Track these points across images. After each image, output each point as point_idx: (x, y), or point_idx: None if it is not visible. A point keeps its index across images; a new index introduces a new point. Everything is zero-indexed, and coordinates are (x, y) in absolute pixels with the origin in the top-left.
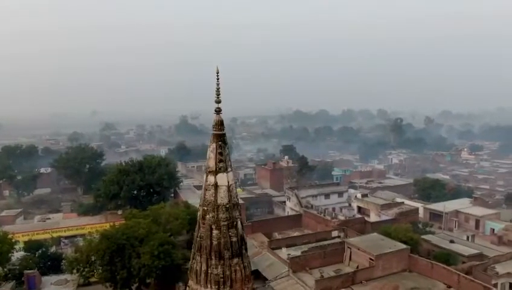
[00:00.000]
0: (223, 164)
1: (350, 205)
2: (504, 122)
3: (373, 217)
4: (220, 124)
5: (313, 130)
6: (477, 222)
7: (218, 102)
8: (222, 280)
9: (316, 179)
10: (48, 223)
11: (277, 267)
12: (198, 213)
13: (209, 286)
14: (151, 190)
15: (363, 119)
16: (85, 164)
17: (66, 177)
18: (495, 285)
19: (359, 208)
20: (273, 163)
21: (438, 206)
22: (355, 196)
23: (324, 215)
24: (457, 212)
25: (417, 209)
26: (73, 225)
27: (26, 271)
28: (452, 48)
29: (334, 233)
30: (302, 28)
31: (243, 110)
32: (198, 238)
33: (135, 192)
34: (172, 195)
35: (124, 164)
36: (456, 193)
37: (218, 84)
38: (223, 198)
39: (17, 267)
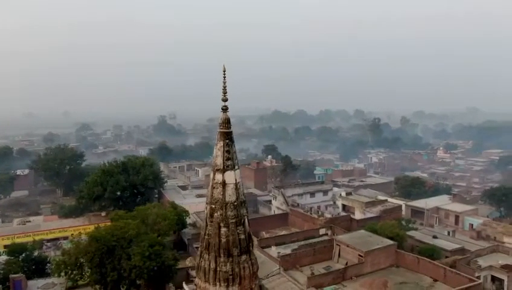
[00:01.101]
0: (230, 161)
1: (335, 203)
2: (475, 122)
3: (358, 215)
4: (227, 122)
5: (293, 130)
6: (457, 218)
7: (225, 100)
8: (231, 277)
9: (298, 178)
10: (29, 226)
11: (267, 266)
12: (205, 211)
13: (218, 283)
14: (135, 191)
15: (341, 119)
16: (65, 165)
17: (45, 178)
18: (478, 278)
19: (344, 206)
20: (256, 163)
21: (419, 203)
22: (340, 194)
23: (311, 214)
24: (437, 209)
25: (400, 206)
26: (56, 228)
27: (12, 275)
28: (423, 49)
29: (322, 231)
30: (275, 28)
31: (220, 111)
32: (206, 237)
33: (119, 193)
34: (157, 196)
35: (107, 164)
36: (435, 191)
37: (224, 83)
38: (230, 196)
39: (1, 271)
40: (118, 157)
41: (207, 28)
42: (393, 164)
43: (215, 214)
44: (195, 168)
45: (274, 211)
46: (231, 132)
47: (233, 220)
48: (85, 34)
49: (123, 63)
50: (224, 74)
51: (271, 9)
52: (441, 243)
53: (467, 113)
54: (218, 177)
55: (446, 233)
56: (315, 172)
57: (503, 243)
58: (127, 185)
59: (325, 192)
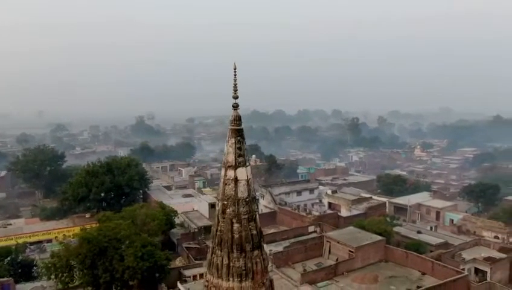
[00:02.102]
0: (242, 158)
1: (321, 201)
2: (448, 122)
3: (344, 212)
4: (238, 119)
5: (273, 130)
6: (438, 214)
7: (236, 98)
8: (244, 272)
9: (282, 177)
10: (10, 229)
11: None
12: (217, 208)
13: (231, 279)
14: (121, 192)
15: (319, 119)
16: (45, 166)
17: (24, 180)
18: (462, 270)
19: (330, 204)
20: None
21: (402, 200)
22: (326, 193)
23: (299, 212)
24: (419, 205)
25: (385, 203)
26: (39, 230)
27: (0, 279)
28: (397, 50)
29: (311, 228)
30: (254, 29)
31: (199, 111)
32: (218, 233)
33: (103, 194)
34: (141, 196)
35: (91, 165)
36: (415, 188)
37: (235, 80)
38: (242, 192)
39: None
40: (96, 159)
41: (186, 27)
42: (374, 163)
43: (228, 210)
44: (179, 168)
45: (261, 210)
46: (242, 129)
47: (246, 216)
48: (62, 34)
49: (99, 63)
50: (235, 72)
51: (241, 9)
52: (425, 238)
53: (440, 113)
54: (230, 173)
55: (429, 228)
56: (298, 171)
57: (483, 237)
58: (112, 185)
59: (311, 190)
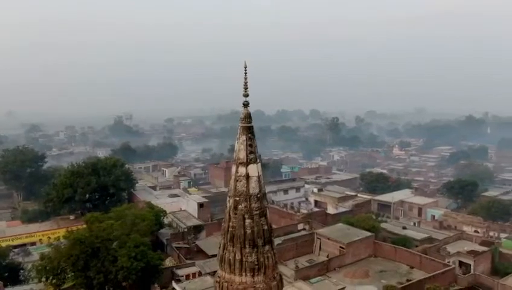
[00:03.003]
0: (253, 155)
1: (307, 199)
2: (423, 121)
3: (331, 210)
4: (248, 117)
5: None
6: (420, 210)
7: (246, 96)
8: (257, 266)
9: (266, 176)
10: None
11: None
12: (228, 204)
13: (243, 273)
14: (106, 192)
15: (298, 119)
16: (26, 168)
17: (4, 182)
18: (448, 263)
19: (316, 202)
20: (226, 162)
21: (385, 198)
22: (312, 191)
23: (287, 210)
24: (402, 202)
25: (370, 200)
26: (22, 233)
27: None
28: (372, 51)
29: (300, 226)
30: (228, 29)
31: (177, 111)
32: (230, 229)
33: (87, 195)
34: (127, 197)
35: (76, 165)
36: (397, 185)
37: (246, 79)
38: (254, 188)
39: None
40: (74, 160)
41: (159, 27)
42: (354, 161)
43: (240, 206)
44: (162, 168)
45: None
46: (252, 126)
47: (257, 212)
48: (29, 33)
49: (70, 63)
50: (246, 71)
51: (215, 9)
52: (410, 233)
53: (415, 113)
54: (242, 170)
55: (412, 224)
56: (282, 170)
57: (464, 231)
58: (97, 186)
59: (298, 189)
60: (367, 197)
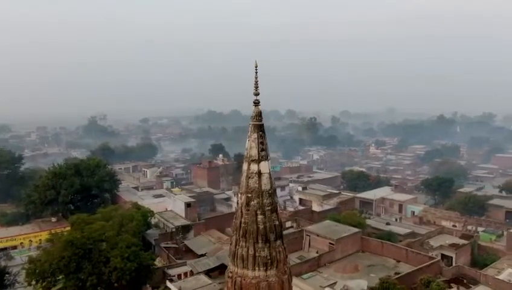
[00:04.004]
0: (264, 152)
1: (292, 197)
2: (396, 121)
3: (316, 207)
4: (259, 115)
5: (232, 130)
6: (400, 207)
7: (257, 94)
8: (269, 261)
9: None
10: None
11: None
12: (240, 201)
13: (257, 268)
14: (90, 194)
15: (274, 119)
16: (3, 169)
17: None
18: (432, 256)
19: (300, 200)
20: (208, 162)
21: (367, 195)
22: (297, 189)
23: None
24: (383, 199)
25: (353, 198)
26: (3, 237)
27: None
28: (343, 52)
29: (288, 223)
30: (202, 29)
31: (152, 111)
32: (242, 225)
33: (70, 197)
34: (110, 198)
35: (57, 166)
36: (377, 183)
37: (256, 78)
38: (266, 184)
39: None
40: (49, 161)
41: (132, 25)
42: (334, 160)
43: (252, 202)
44: (143, 169)
45: (235, 208)
46: (263, 124)
47: (269, 208)
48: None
49: (38, 63)
50: (256, 70)
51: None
52: (394, 228)
53: (386, 112)
54: (254, 167)
55: (394, 220)
56: None
57: (442, 226)
58: (81, 187)
59: (283, 187)
60: (350, 195)
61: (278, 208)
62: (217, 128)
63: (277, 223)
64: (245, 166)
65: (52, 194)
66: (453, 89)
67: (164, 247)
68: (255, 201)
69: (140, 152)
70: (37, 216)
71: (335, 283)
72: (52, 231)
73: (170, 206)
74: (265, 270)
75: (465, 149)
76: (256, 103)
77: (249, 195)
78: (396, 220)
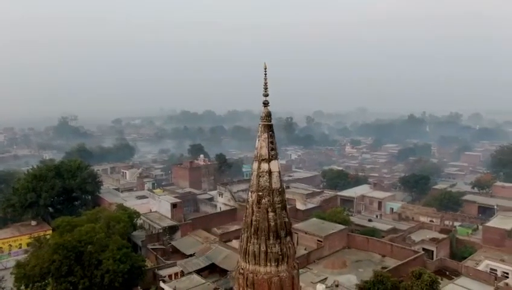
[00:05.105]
0: (274, 151)
1: None
2: (368, 120)
3: (300, 206)
4: (268, 116)
5: (208, 130)
6: (380, 204)
7: (266, 95)
8: (281, 256)
9: (227, 176)
10: None
11: (233, 258)
12: (251, 199)
13: (268, 264)
14: (72, 196)
15: (248, 119)
16: None
17: None
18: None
19: None
20: (189, 162)
21: (348, 193)
22: None
23: None
24: (363, 197)
25: (336, 196)
26: None
27: None
28: (313, 53)
29: None
30: (170, 29)
31: (124, 112)
32: (254, 222)
33: (50, 200)
34: (91, 199)
35: (37, 168)
36: (356, 181)
37: (265, 79)
38: (276, 183)
39: None
40: (21, 163)
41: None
42: (312, 160)
43: (263, 200)
44: (122, 170)
45: (220, 208)
46: (272, 124)
47: (279, 205)
48: None
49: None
50: (265, 72)
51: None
52: (376, 225)
53: (357, 112)
54: (264, 166)
55: (375, 217)
56: (243, 170)
57: (421, 222)
58: (62, 190)
59: None
60: (331, 193)
61: (287, 205)
62: (193, 129)
63: (287, 220)
64: (255, 165)
65: (32, 197)
66: (421, 89)
67: (152, 248)
68: (266, 199)
69: (117, 153)
70: (16, 220)
71: (325, 279)
72: (33, 235)
73: (155, 207)
74: (277, 265)
75: (436, 148)
76: (266, 104)
77: (260, 193)
78: (376, 216)
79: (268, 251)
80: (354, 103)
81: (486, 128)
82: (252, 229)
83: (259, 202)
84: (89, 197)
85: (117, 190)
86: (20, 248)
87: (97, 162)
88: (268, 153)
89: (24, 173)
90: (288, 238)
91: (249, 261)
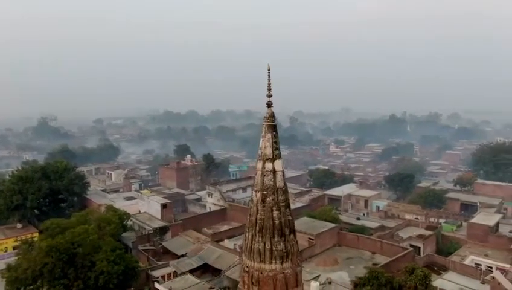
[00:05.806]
0: (277, 151)
1: None
2: (350, 120)
3: None
4: (272, 116)
5: (192, 130)
6: (366, 202)
7: (270, 96)
8: (285, 254)
9: (214, 176)
10: None
11: (226, 258)
12: (255, 198)
13: (273, 261)
14: (59, 198)
15: (231, 119)
16: None
17: None
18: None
19: None
20: (177, 162)
21: (335, 192)
22: None
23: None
24: (349, 196)
25: (324, 195)
26: None
27: None
28: (295, 53)
29: None
30: (152, 28)
31: (105, 112)
32: (259, 221)
33: (37, 202)
34: (78, 201)
35: (22, 169)
36: (342, 180)
37: (269, 80)
38: (280, 182)
39: None
40: (1, 165)
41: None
42: (297, 159)
43: (268, 199)
44: (107, 171)
45: (210, 208)
46: (276, 124)
47: (283, 204)
48: None
49: None
50: (269, 73)
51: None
52: (364, 223)
53: (341, 112)
54: (269, 165)
55: (362, 215)
56: (230, 170)
57: (409, 219)
58: (49, 191)
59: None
60: (319, 192)
61: (290, 204)
62: (177, 129)
63: (290, 218)
64: (259, 164)
65: (18, 199)
66: (401, 89)
67: (142, 249)
68: (271, 198)
69: (101, 154)
70: (1, 223)
71: (318, 276)
72: (20, 238)
73: (144, 208)
74: (282, 263)
75: (418, 147)
76: (269, 105)
77: (264, 192)
78: (363, 215)
79: (273, 248)
80: (338, 103)
81: (465, 127)
82: (257, 228)
83: (263, 200)
84: (76, 198)
85: (104, 191)
86: (6, 251)
87: (81, 163)
88: (273, 152)
89: (8, 174)
90: (292, 236)
91: (254, 259)
